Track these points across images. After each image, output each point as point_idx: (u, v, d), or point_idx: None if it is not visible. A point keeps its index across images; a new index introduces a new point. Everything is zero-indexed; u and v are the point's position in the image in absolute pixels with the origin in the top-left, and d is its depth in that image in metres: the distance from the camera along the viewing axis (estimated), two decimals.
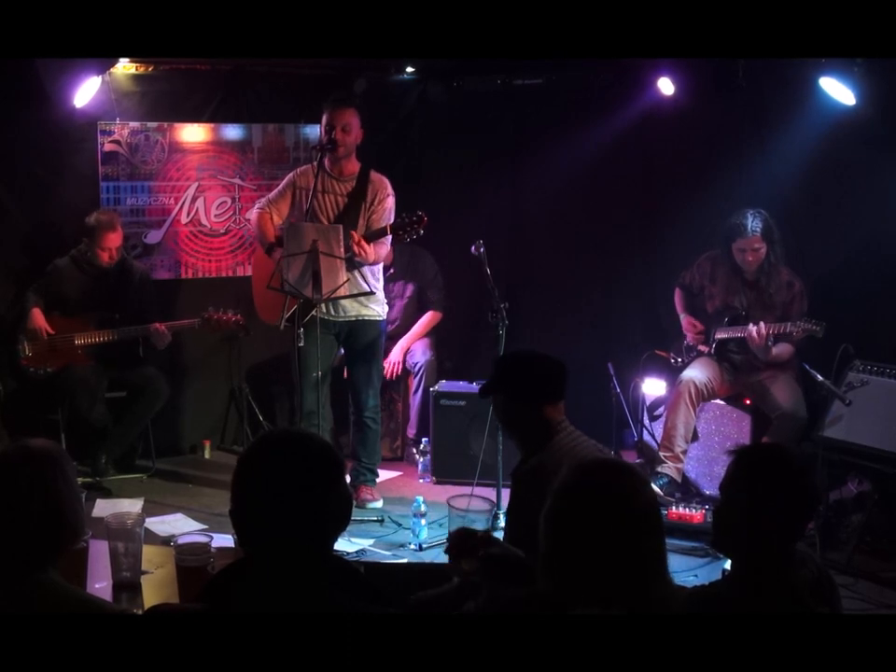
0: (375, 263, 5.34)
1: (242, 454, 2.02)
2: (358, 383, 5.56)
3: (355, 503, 5.51)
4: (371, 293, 5.29)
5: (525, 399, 3.28)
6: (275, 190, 5.57)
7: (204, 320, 5.74)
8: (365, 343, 5.48)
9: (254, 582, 1.91)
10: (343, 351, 5.66)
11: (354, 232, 5.13)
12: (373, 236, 5.20)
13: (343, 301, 5.30)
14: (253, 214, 5.60)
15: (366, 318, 5.43)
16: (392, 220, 5.29)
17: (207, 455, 6.50)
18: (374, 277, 5.41)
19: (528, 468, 3.24)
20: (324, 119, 5.32)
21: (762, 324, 5.30)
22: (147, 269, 6.21)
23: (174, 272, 6.46)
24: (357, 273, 5.20)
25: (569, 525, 2.10)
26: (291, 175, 5.51)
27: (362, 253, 5.11)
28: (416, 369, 6.34)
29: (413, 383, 6.38)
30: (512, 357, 3.60)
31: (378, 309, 5.47)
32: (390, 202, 5.34)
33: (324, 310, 5.26)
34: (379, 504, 5.55)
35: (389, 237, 5.27)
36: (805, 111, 5.52)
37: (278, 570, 1.90)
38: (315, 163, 5.31)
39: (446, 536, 2.86)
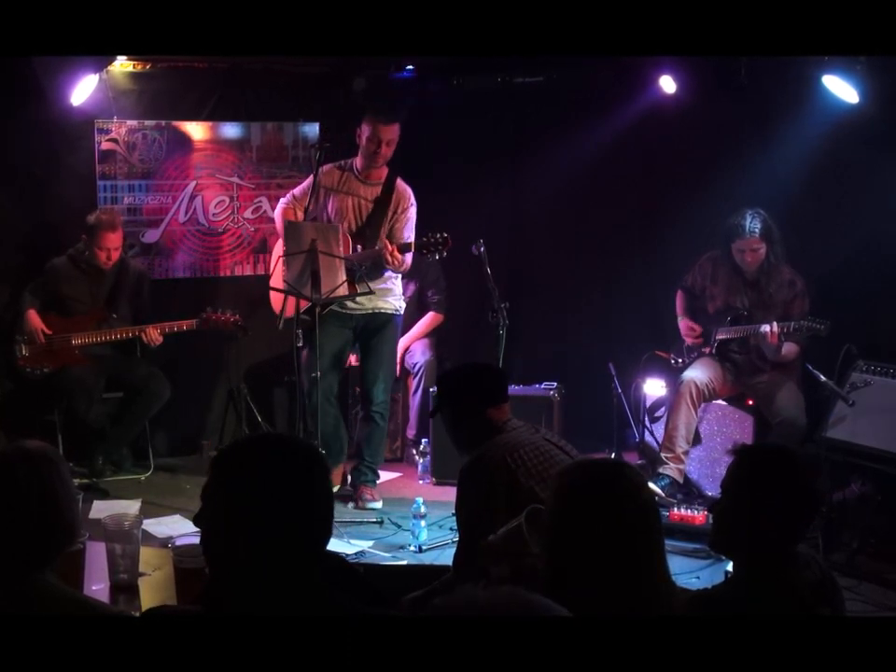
0: (405, 272, 5.45)
1: (217, 457, 1.96)
2: (368, 375, 5.57)
3: (355, 503, 5.49)
4: (371, 293, 5.29)
5: (467, 407, 3.45)
6: (299, 187, 5.61)
7: (202, 320, 5.71)
8: (378, 335, 5.51)
9: (252, 585, 1.88)
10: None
11: (388, 242, 5.22)
12: (400, 250, 5.25)
13: None
14: (278, 209, 5.65)
15: (381, 311, 5.47)
16: (412, 230, 5.37)
17: (205, 456, 6.47)
18: (394, 275, 5.47)
19: (469, 461, 3.39)
20: (368, 129, 5.32)
21: (774, 324, 5.27)
22: (145, 269, 6.18)
23: (171, 271, 6.44)
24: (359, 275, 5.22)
25: (568, 526, 2.09)
26: (319, 171, 5.49)
27: (395, 262, 5.18)
28: (416, 369, 6.32)
29: (413, 383, 6.35)
30: (449, 372, 3.83)
31: (394, 303, 5.51)
32: (412, 212, 5.42)
33: (346, 304, 5.33)
34: (378, 505, 5.52)
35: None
36: (808, 110, 5.49)
37: (277, 572, 1.87)
38: (336, 164, 5.41)
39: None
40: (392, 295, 5.49)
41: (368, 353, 5.58)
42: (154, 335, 5.66)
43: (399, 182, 5.43)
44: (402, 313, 5.64)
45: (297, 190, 5.60)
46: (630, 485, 2.13)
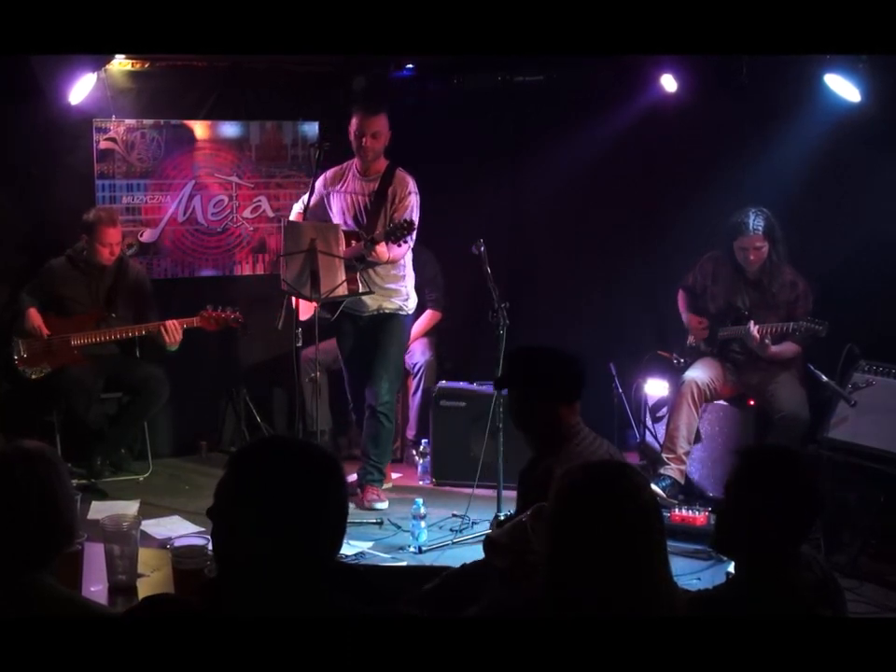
0: (391, 262, 5.33)
1: (235, 455, 1.95)
2: (376, 375, 5.53)
3: (360, 504, 5.47)
4: (370, 293, 5.28)
5: (540, 397, 3.19)
6: (308, 193, 5.56)
7: (203, 318, 5.68)
8: (383, 334, 5.49)
9: (254, 586, 1.86)
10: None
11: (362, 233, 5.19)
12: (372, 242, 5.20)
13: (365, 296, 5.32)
14: (292, 217, 5.65)
15: (386, 311, 5.46)
16: (414, 218, 5.29)
17: (204, 457, 6.45)
18: (401, 273, 5.46)
19: (539, 474, 3.12)
20: (354, 122, 5.35)
21: (757, 326, 5.27)
22: (144, 268, 6.16)
23: (170, 271, 6.42)
24: (368, 272, 5.23)
25: (568, 526, 2.08)
26: (323, 176, 5.51)
27: (373, 254, 5.14)
28: (416, 369, 6.30)
29: (413, 383, 6.33)
30: (529, 351, 3.43)
31: (399, 303, 5.49)
32: (411, 200, 5.33)
33: (349, 304, 5.34)
34: (385, 505, 5.51)
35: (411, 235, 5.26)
36: (809, 109, 5.47)
37: (280, 576, 1.85)
38: (339, 166, 5.43)
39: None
40: (398, 296, 5.47)
41: (373, 352, 5.54)
42: (174, 329, 5.61)
43: (399, 172, 5.38)
44: (410, 312, 5.61)
45: (305, 197, 5.53)
46: (630, 486, 2.12)
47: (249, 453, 1.95)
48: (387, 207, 5.33)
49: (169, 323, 5.62)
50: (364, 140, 5.29)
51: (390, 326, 5.49)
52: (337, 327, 5.55)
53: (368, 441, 5.60)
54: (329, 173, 5.50)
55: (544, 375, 3.22)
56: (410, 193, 5.33)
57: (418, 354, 6.33)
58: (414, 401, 6.33)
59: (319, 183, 5.51)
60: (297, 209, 5.64)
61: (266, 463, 1.88)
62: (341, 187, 5.45)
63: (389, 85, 6.54)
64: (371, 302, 5.40)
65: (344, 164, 5.50)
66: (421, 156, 6.57)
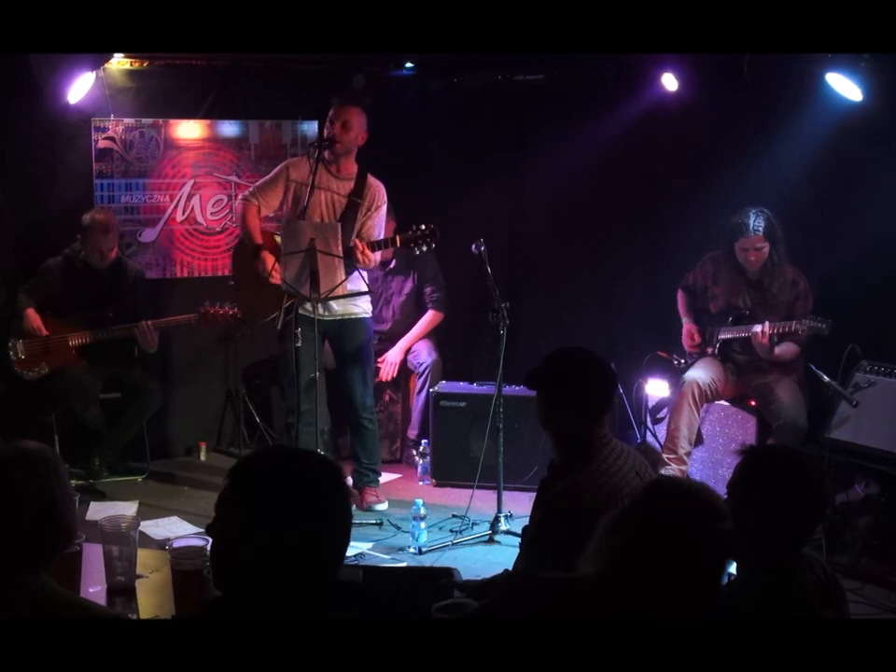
0: (373, 268, 5.34)
1: (236, 467, 1.91)
2: (353, 383, 5.47)
3: (360, 506, 5.45)
4: (371, 292, 5.25)
5: (571, 408, 2.98)
6: (264, 179, 5.45)
7: (201, 315, 5.65)
8: (355, 342, 5.43)
9: (256, 601, 1.83)
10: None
11: (358, 241, 5.14)
12: (378, 246, 5.18)
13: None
14: (238, 204, 5.53)
15: (354, 316, 5.38)
16: (382, 227, 5.29)
17: (203, 458, 6.43)
18: (358, 275, 5.36)
19: (562, 490, 2.92)
20: (329, 113, 5.30)
21: (767, 323, 5.25)
22: (142, 268, 6.14)
23: (169, 270, 6.40)
24: (358, 273, 5.17)
25: (637, 543, 2.05)
26: (283, 165, 5.41)
27: (366, 260, 5.10)
28: (422, 369, 6.25)
29: (418, 383, 6.29)
30: (568, 358, 3.09)
31: (365, 306, 5.43)
32: (384, 210, 5.35)
33: (309, 308, 5.07)
34: (384, 506, 5.49)
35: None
36: (811, 108, 5.45)
37: (282, 590, 1.82)
38: (310, 158, 5.22)
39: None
40: (362, 298, 5.38)
41: (347, 362, 5.46)
42: (148, 331, 5.58)
43: (371, 178, 5.34)
44: (371, 314, 5.51)
45: (260, 183, 5.42)
46: (707, 515, 2.08)
47: (250, 464, 1.91)
48: (361, 212, 5.28)
49: (142, 325, 5.59)
50: (334, 127, 5.22)
51: (358, 332, 5.41)
52: (288, 331, 5.17)
53: (357, 448, 5.57)
54: (294, 160, 5.41)
55: (578, 387, 2.99)
56: (384, 203, 5.33)
57: (424, 354, 6.30)
58: (418, 401, 6.29)
59: (284, 173, 5.32)
60: (246, 201, 5.35)
61: (268, 474, 1.86)
62: (316, 181, 5.17)
63: (388, 84, 6.53)
64: (337, 306, 5.29)
65: (309, 158, 5.25)
66: (421, 155, 6.57)
